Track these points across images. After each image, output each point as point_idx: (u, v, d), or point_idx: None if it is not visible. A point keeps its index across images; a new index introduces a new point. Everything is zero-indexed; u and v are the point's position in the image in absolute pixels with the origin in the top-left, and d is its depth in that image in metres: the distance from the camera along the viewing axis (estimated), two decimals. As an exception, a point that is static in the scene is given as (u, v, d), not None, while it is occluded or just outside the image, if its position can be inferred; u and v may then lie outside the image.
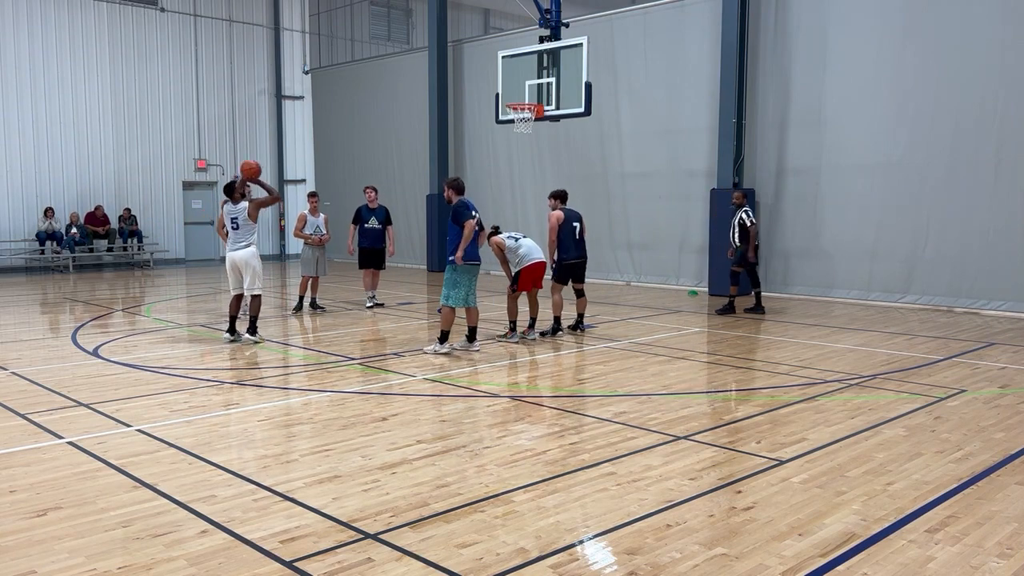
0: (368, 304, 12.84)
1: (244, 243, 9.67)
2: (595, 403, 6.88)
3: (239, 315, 10.04)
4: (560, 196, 10.28)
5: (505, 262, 9.98)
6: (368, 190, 12.94)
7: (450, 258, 8.85)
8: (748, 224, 11.84)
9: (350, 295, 14.72)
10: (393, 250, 13.12)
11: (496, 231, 10.14)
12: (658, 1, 15.78)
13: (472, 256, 8.89)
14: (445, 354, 8.86)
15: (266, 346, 9.61)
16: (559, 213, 10.09)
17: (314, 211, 12.41)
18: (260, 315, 10.11)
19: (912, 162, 12.77)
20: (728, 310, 12.22)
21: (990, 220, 12.02)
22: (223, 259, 10.07)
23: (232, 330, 9.79)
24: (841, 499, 4.53)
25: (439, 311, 9.27)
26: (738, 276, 12.24)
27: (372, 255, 12.73)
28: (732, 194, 12.60)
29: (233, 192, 9.72)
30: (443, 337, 8.99)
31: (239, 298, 9.90)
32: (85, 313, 12.76)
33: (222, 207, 9.97)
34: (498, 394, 7.13)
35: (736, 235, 12.02)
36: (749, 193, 14.48)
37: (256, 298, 9.78)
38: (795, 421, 6.19)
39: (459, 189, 9.12)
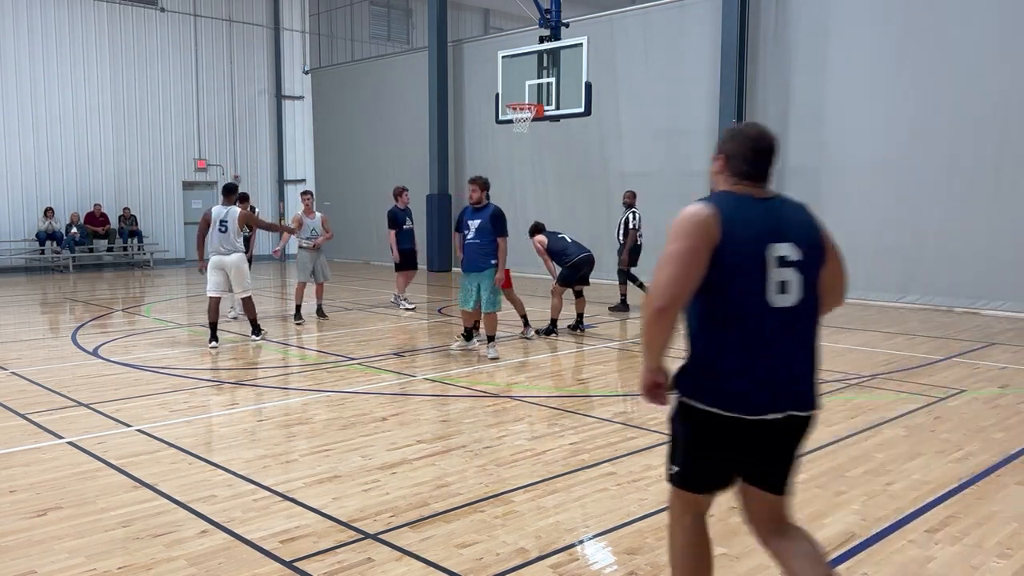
0: (407, 306, 12.57)
1: (231, 248, 9.44)
2: (595, 403, 6.88)
3: (218, 319, 9.69)
4: (538, 229, 10.38)
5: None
6: (404, 191, 12.53)
7: (492, 262, 8.53)
8: (630, 227, 12.09)
9: (350, 296, 14.73)
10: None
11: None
12: (658, 1, 15.78)
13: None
14: (495, 358, 8.64)
15: (266, 346, 9.61)
16: (540, 237, 10.20)
17: (308, 211, 11.71)
18: (258, 315, 10.06)
19: (912, 162, 12.76)
20: (622, 307, 12.32)
21: (990, 220, 12.01)
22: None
23: (214, 337, 9.42)
24: (841, 499, 4.53)
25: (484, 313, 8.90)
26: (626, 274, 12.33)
27: (410, 256, 12.45)
28: (624, 193, 12.62)
29: (231, 194, 9.59)
30: (492, 338, 8.82)
31: (218, 302, 9.58)
32: (85, 313, 12.76)
33: (210, 210, 9.64)
34: (498, 394, 7.13)
35: (621, 234, 12.24)
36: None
37: (249, 300, 9.72)
38: (795, 421, 6.19)
39: (488, 187, 8.73)
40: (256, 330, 9.84)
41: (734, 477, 2.84)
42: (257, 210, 9.78)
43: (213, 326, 9.51)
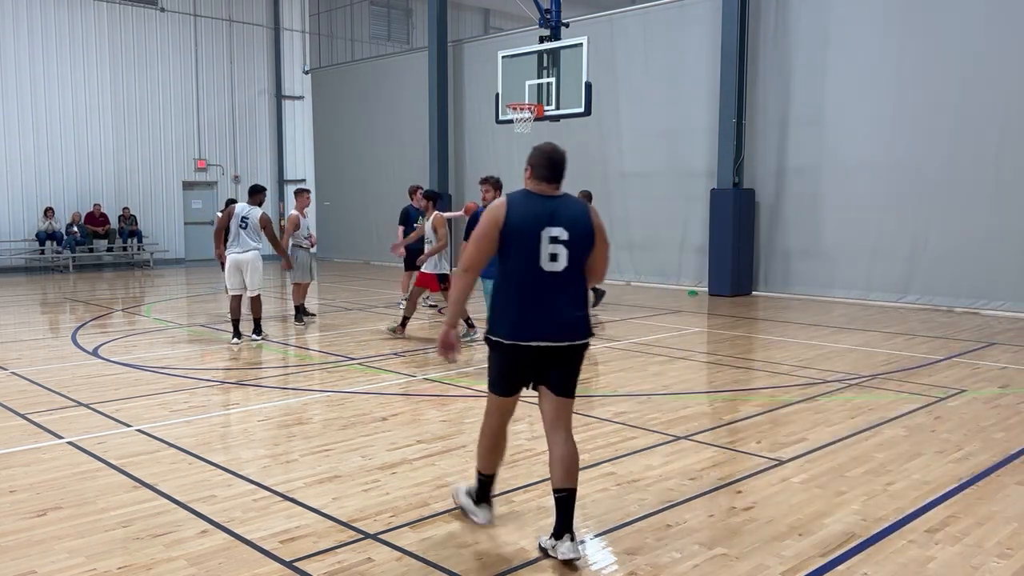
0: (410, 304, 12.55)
1: (251, 246, 9.52)
2: (595, 403, 6.87)
3: (241, 317, 9.97)
4: None
5: None
6: (419, 190, 12.39)
7: None
8: None
9: (350, 295, 14.73)
10: None
11: None
12: (658, 1, 15.78)
13: None
14: None
15: (266, 346, 9.61)
16: None
17: (302, 211, 11.46)
18: (263, 316, 10.10)
19: (912, 162, 12.77)
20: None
21: (990, 220, 12.02)
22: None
23: (237, 334, 9.65)
24: (841, 499, 4.53)
25: None
26: None
27: (418, 256, 12.33)
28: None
29: (256, 195, 9.72)
30: None
31: (239, 300, 9.76)
32: (85, 313, 12.76)
33: (226, 208, 9.89)
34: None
35: None
36: (749, 193, 14.51)
37: (257, 298, 9.76)
38: (795, 421, 6.19)
39: (501, 187, 8.15)
40: (258, 330, 9.85)
41: (522, 387, 4.03)
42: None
43: (235, 323, 9.69)
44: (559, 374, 3.93)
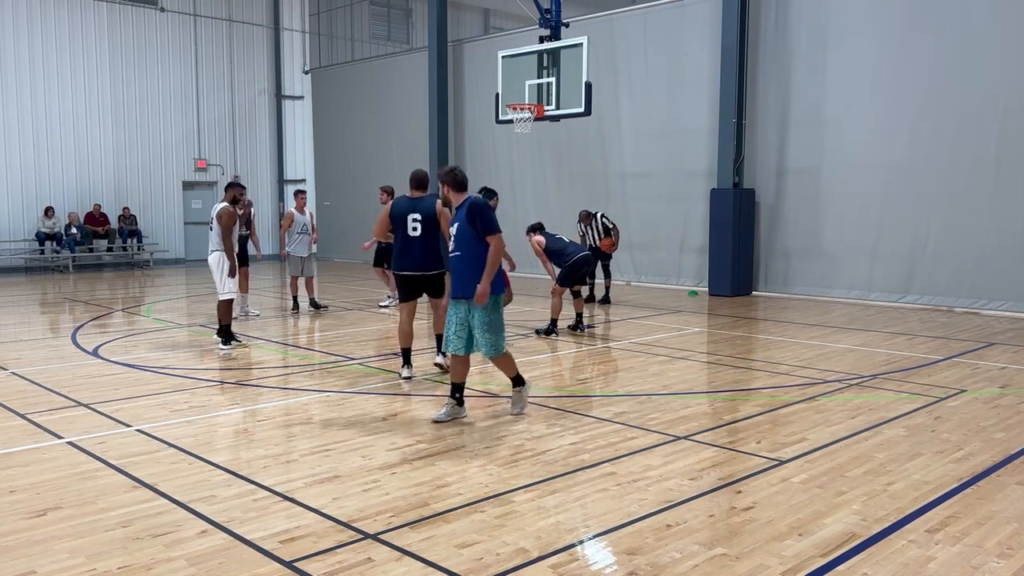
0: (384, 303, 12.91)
1: (213, 247, 9.21)
2: (595, 403, 6.87)
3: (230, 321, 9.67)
4: (536, 228, 10.34)
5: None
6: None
7: (489, 290, 6.07)
8: (609, 227, 12.69)
9: (350, 295, 14.72)
10: None
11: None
12: (658, 1, 15.78)
13: (501, 282, 6.36)
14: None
15: (266, 346, 9.60)
16: (539, 237, 10.10)
17: (300, 209, 12.11)
18: (233, 320, 9.58)
19: (912, 162, 12.76)
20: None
21: (990, 220, 12.02)
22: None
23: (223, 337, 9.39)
24: (841, 499, 4.53)
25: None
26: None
27: (389, 254, 12.66)
28: (581, 213, 13.07)
29: (227, 191, 9.39)
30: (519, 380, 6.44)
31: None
32: (85, 313, 12.76)
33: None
34: (498, 394, 7.13)
35: (602, 235, 12.66)
36: (749, 193, 14.51)
37: (224, 303, 9.18)
38: (795, 421, 6.19)
39: (461, 185, 6.34)
40: (224, 338, 9.17)
41: (416, 296, 7.56)
42: (244, 207, 9.28)
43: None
44: (428, 289, 7.57)
